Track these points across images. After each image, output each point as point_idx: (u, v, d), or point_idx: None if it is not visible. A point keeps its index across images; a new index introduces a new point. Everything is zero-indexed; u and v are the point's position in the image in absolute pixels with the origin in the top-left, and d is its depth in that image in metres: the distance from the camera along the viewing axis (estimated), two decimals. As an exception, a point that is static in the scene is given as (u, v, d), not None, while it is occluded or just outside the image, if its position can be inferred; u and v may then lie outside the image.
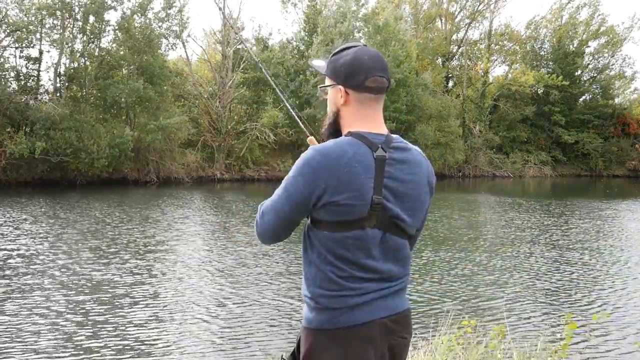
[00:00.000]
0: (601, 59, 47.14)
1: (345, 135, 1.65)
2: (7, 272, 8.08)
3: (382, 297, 1.64)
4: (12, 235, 11.10)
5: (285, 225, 1.66)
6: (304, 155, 1.62)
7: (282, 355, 1.77)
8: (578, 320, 6.08)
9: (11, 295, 6.92)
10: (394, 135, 1.68)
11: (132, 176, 26.58)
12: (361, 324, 1.60)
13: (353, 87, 1.65)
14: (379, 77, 1.65)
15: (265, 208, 1.68)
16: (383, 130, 1.67)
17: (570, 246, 11.26)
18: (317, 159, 1.58)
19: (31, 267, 8.47)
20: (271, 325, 6.10)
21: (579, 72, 46.45)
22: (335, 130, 1.72)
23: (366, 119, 1.67)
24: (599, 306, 7.00)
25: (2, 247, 9.94)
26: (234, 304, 6.85)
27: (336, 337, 1.60)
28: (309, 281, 1.66)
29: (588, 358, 5.23)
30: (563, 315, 6.34)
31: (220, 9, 28.85)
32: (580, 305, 6.99)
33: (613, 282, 8.31)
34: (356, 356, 1.60)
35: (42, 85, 27.25)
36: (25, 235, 11.23)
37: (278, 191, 1.65)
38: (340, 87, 1.67)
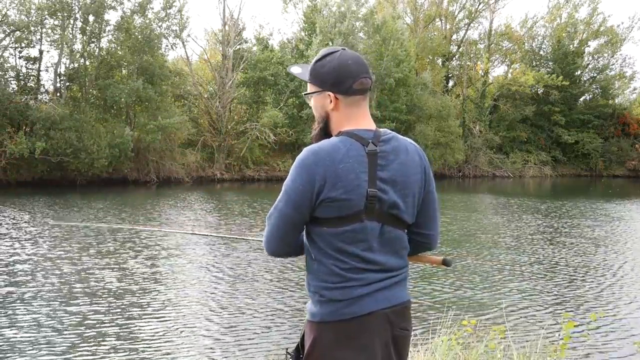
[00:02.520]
0: (601, 59, 47.11)
1: (336, 135, 1.72)
2: (5, 277, 8.07)
3: (384, 288, 1.68)
4: (12, 237, 11.10)
5: (290, 229, 1.69)
6: (298, 157, 1.68)
7: (287, 350, 1.80)
8: (577, 320, 6.09)
9: (10, 300, 6.92)
10: (381, 129, 1.75)
11: (132, 176, 26.59)
12: (364, 315, 1.64)
13: (342, 92, 1.71)
14: (364, 78, 1.72)
15: (270, 215, 1.72)
16: (371, 126, 1.74)
17: (571, 246, 11.26)
18: (310, 158, 1.64)
19: (30, 269, 8.47)
20: (276, 322, 6.10)
21: (579, 72, 46.40)
22: (325, 134, 1.77)
23: (355, 119, 1.73)
24: (598, 306, 7.00)
25: (2, 248, 9.94)
26: (237, 302, 6.85)
27: (340, 328, 1.64)
28: (312, 276, 1.70)
29: (587, 358, 5.24)
30: (562, 315, 6.35)
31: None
32: (580, 305, 6.99)
33: (613, 281, 8.31)
34: (361, 347, 1.64)
35: (42, 85, 27.31)
36: (24, 237, 11.23)
37: (279, 197, 1.70)
38: (329, 93, 1.73)
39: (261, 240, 1.77)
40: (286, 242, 1.72)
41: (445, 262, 1.90)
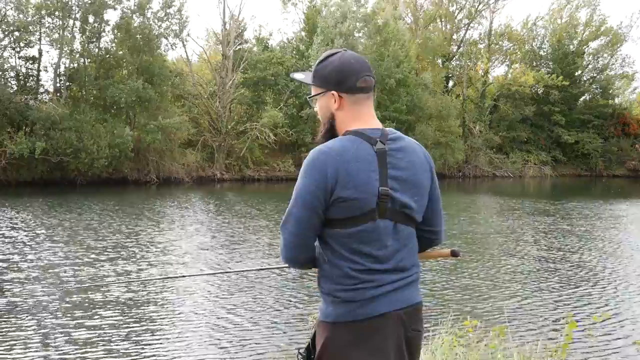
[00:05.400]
0: (601, 59, 47.08)
1: (343, 135, 1.72)
2: (5, 281, 8.05)
3: (398, 289, 1.68)
4: (11, 237, 11.08)
5: (310, 233, 1.68)
6: (306, 159, 1.67)
7: (298, 350, 1.79)
8: (579, 320, 6.08)
9: (9, 306, 6.90)
10: (387, 129, 1.75)
11: (132, 176, 26.57)
12: (378, 316, 1.64)
13: (346, 91, 1.72)
14: (367, 77, 1.73)
15: (284, 222, 1.70)
16: (377, 125, 1.75)
17: (572, 247, 11.25)
18: (320, 158, 1.63)
19: (30, 273, 8.46)
20: (285, 322, 6.09)
21: (579, 72, 46.38)
22: (332, 135, 1.77)
23: (361, 118, 1.73)
24: (599, 306, 7.00)
25: (2, 250, 9.93)
26: (245, 303, 6.84)
27: (353, 329, 1.64)
28: (325, 278, 1.69)
29: (588, 358, 5.23)
30: (564, 315, 6.34)
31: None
32: (581, 305, 6.98)
33: (614, 282, 8.30)
34: (375, 348, 1.63)
35: (42, 85, 27.31)
36: (24, 239, 11.21)
37: (292, 201, 1.68)
38: (333, 92, 1.73)
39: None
40: (307, 248, 1.70)
41: (453, 254, 1.92)
